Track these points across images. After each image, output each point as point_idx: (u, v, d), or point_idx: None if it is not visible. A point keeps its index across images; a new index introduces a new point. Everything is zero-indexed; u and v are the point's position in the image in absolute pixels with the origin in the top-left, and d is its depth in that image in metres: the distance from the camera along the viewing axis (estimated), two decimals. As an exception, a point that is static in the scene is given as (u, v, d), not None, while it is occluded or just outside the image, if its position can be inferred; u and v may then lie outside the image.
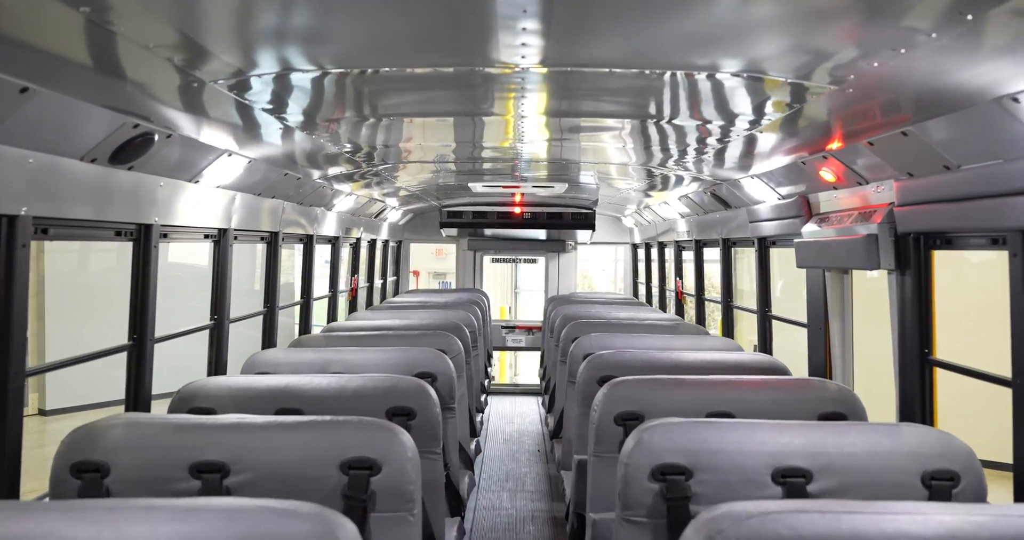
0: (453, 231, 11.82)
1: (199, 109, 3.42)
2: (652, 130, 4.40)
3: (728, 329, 7.10)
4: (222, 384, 4.02)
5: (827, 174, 4.17)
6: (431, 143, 5.20)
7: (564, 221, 11.15)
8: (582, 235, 11.93)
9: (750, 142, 4.37)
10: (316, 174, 5.86)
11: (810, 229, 4.58)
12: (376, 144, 4.99)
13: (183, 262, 8.51)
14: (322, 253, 8.28)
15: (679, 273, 9.18)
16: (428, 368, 4.86)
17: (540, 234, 12.03)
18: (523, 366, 17.02)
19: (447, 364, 4.91)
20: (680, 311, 9.19)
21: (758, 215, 5.62)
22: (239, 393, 3.98)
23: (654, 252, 10.99)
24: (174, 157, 3.77)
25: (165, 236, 4.13)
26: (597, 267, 18.26)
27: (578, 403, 4.95)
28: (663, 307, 10.39)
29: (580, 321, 6.63)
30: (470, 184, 8.01)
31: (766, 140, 4.22)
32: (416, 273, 17.25)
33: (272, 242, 5.90)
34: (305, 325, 6.96)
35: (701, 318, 8.19)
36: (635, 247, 12.56)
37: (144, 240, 3.88)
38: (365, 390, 4.00)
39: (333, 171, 5.89)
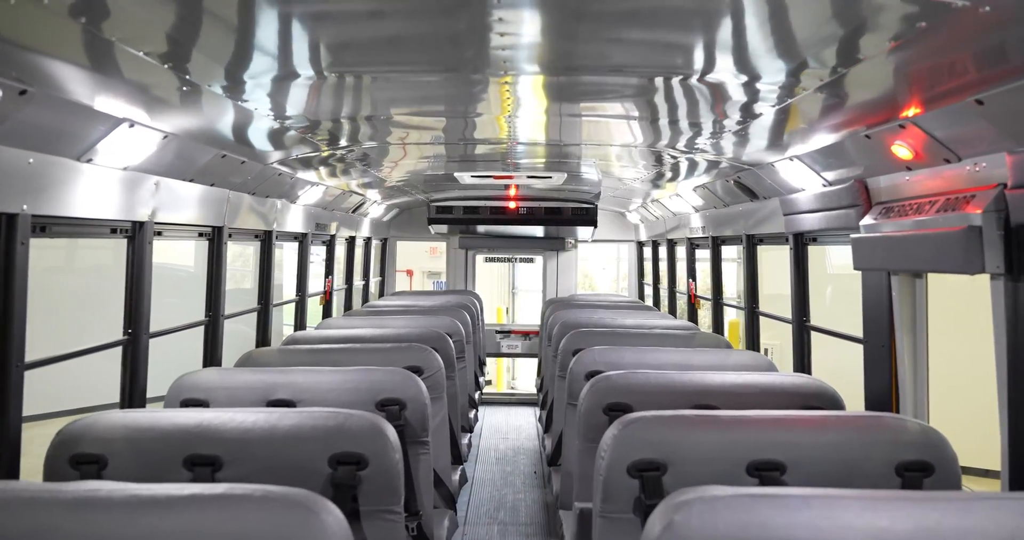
0: (443, 228, 10.89)
1: (67, 52, 2.48)
2: (669, 94, 3.49)
3: (754, 341, 6.16)
4: (116, 422, 3.08)
5: (901, 149, 3.23)
6: (408, 116, 4.22)
7: (563, 217, 10.23)
8: (583, 232, 11.00)
9: (797, 108, 3.45)
10: (271, 157, 4.92)
11: (871, 222, 3.64)
12: (341, 115, 4.03)
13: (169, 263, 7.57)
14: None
15: (692, 274, 8.24)
16: (394, 393, 3.95)
17: (537, 231, 11.12)
18: (522, 370, 16.08)
19: (418, 388, 3.99)
20: (693, 316, 8.25)
21: (795, 206, 4.68)
22: (138, 435, 3.05)
23: (662, 250, 10.06)
24: (42, 124, 2.83)
25: (43, 230, 3.19)
26: (598, 266, 17.42)
27: (580, 434, 4.03)
28: (672, 311, 9.46)
29: (582, 330, 5.70)
30: (457, 174, 7.07)
31: (816, 104, 3.30)
32: (410, 273, 16.41)
33: (215, 239, 4.96)
34: (263, 335, 6.02)
35: (719, 326, 7.24)
36: (640, 245, 11.62)
37: (6, 234, 2.94)
38: (302, 432, 3.07)
39: (292, 154, 4.95)
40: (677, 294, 9.33)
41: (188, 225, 4.52)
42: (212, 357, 4.96)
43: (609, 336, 5.61)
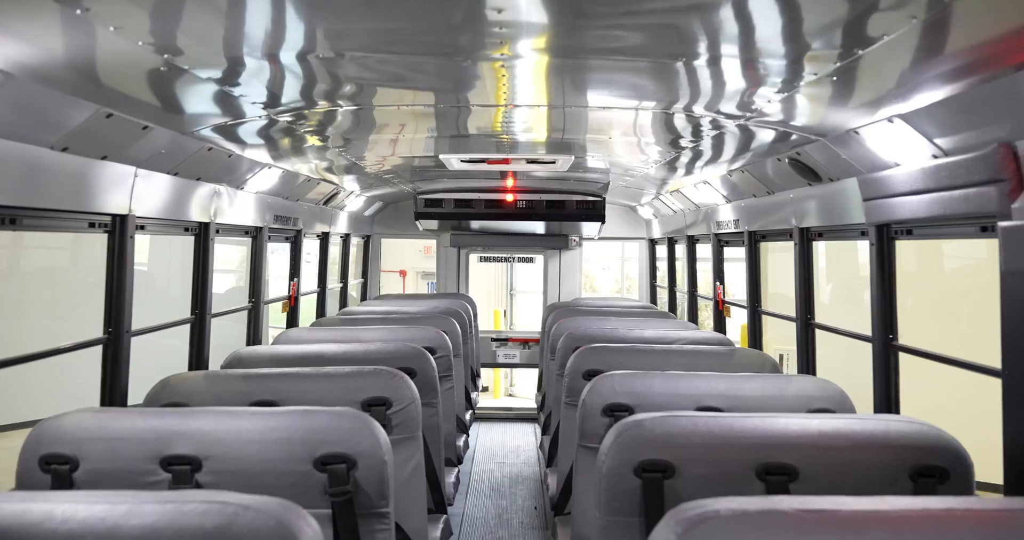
0: (432, 223, 9.71)
1: None
2: (702, 46, 2.36)
3: (809, 361, 4.97)
4: None
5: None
6: (386, 56, 3.01)
7: (567, 211, 9.07)
8: (588, 228, 9.85)
9: (902, 43, 2.31)
10: (195, 123, 3.74)
11: (1029, 203, 2.48)
12: (307, 54, 2.84)
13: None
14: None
15: (719, 277, 7.05)
16: (340, 446, 2.81)
17: (538, 227, 9.96)
18: (521, 375, 14.92)
19: (375, 438, 2.85)
20: (720, 326, 7.08)
21: (884, 187, 3.52)
22: None
23: (679, 248, 8.90)
24: None
25: None
26: (599, 266, 16.37)
27: (603, 503, 2.86)
28: (693, 318, 8.29)
29: (593, 346, 4.54)
30: (444, 157, 5.90)
31: (934, 33, 2.17)
32: (403, 273, 15.34)
33: (116, 231, 3.79)
34: (197, 355, 4.84)
35: (758, 340, 6.05)
36: (653, 243, 10.45)
37: None
38: (184, 532, 1.90)
39: (222, 119, 3.77)
40: (699, 299, 8.17)
41: (69, 212, 3.36)
42: (112, 391, 3.76)
43: (628, 354, 4.47)
